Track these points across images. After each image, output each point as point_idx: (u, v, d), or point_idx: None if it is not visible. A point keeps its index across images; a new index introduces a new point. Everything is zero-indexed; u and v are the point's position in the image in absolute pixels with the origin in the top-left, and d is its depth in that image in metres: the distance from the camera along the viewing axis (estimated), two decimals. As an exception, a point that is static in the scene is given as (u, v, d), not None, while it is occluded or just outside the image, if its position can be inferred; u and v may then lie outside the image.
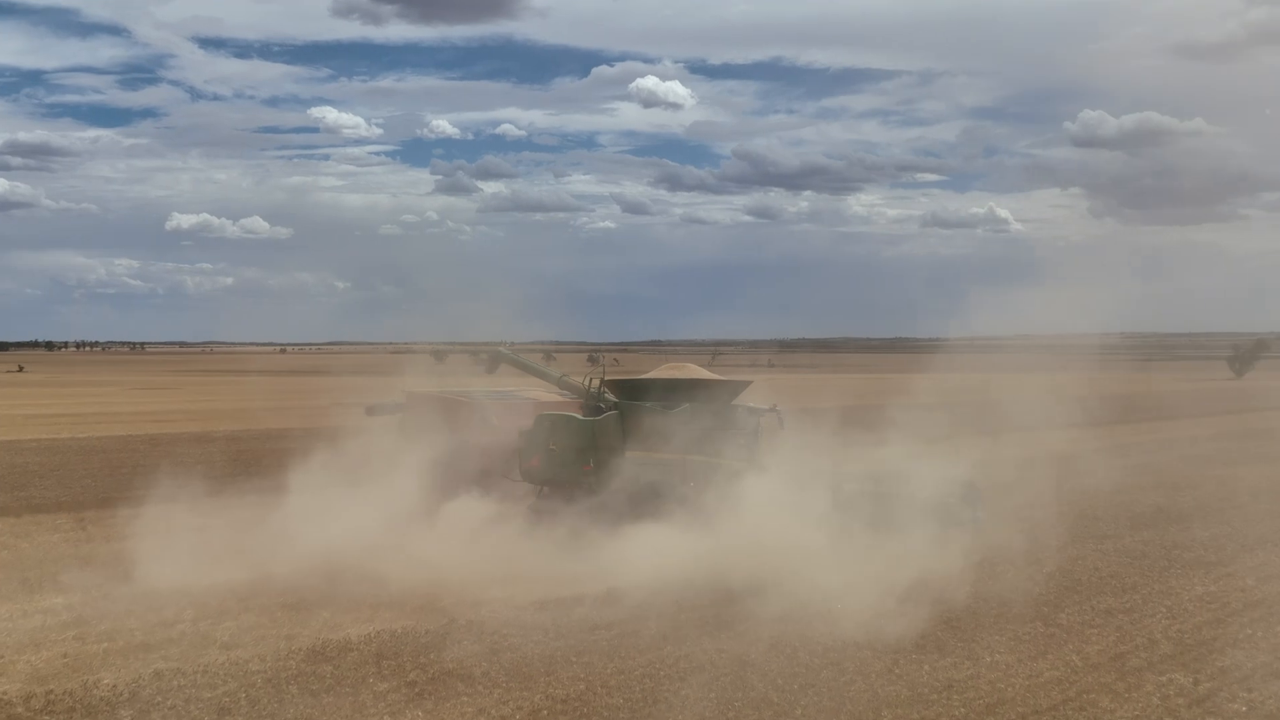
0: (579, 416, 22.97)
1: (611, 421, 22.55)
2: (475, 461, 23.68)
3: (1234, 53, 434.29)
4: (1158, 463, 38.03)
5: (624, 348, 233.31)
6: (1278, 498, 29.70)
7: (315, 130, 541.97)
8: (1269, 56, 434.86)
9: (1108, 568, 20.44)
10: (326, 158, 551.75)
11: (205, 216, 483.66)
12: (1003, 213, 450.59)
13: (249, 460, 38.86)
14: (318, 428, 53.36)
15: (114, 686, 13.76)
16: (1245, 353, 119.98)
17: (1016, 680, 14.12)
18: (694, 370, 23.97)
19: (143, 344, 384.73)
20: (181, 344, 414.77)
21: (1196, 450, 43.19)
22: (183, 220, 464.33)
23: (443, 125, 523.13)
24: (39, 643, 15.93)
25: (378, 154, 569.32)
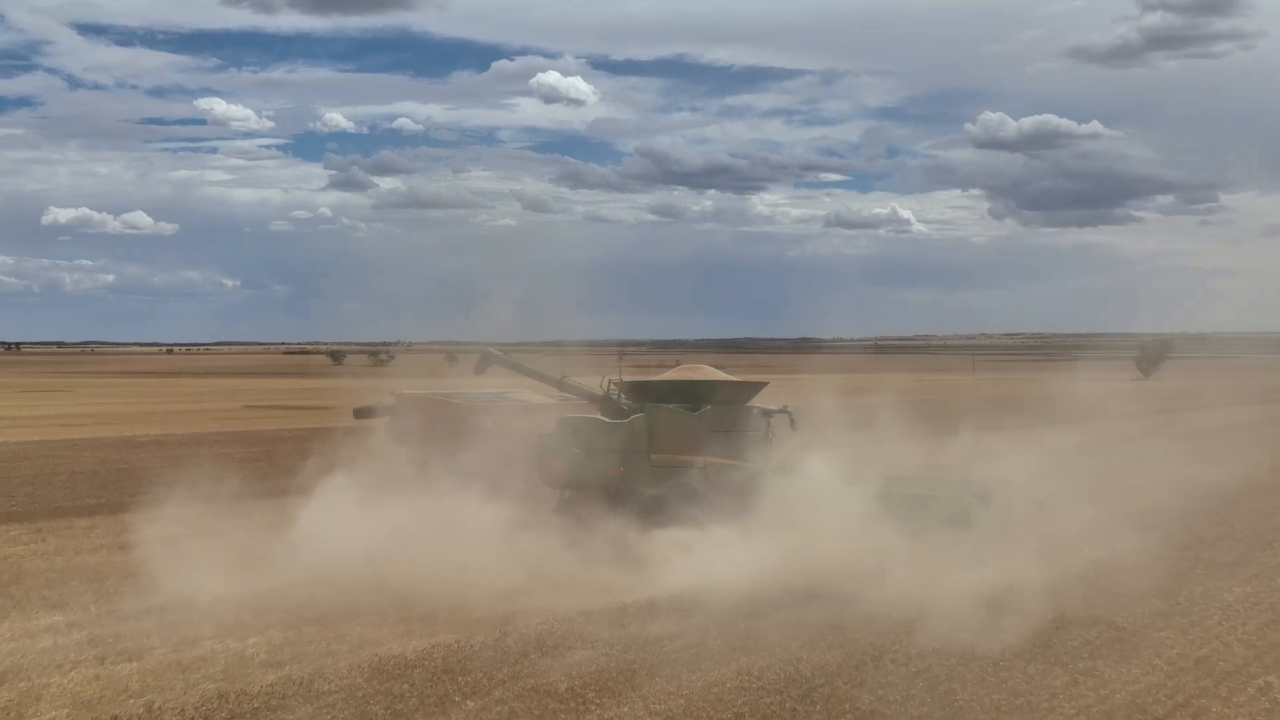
0: (605, 419, 22.49)
1: (639, 424, 22.16)
2: (491, 465, 23.04)
3: (1129, 57, 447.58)
4: (1115, 464, 38.54)
5: (524, 348, 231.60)
6: (1259, 497, 30.28)
7: (202, 122, 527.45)
8: (1163, 61, 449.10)
9: (1140, 570, 20.43)
10: (214, 151, 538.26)
11: (85, 211, 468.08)
12: (905, 213, 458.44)
13: (200, 465, 37.44)
14: (249, 431, 52.47)
15: (181, 710, 12.93)
16: (1152, 353, 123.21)
17: (1116, 687, 13.96)
18: (711, 371, 23.70)
19: (18, 344, 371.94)
20: (60, 344, 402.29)
21: (1149, 450, 43.97)
22: (60, 215, 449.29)
23: (337, 119, 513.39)
24: (60, 664, 14.96)
25: (268, 147, 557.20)
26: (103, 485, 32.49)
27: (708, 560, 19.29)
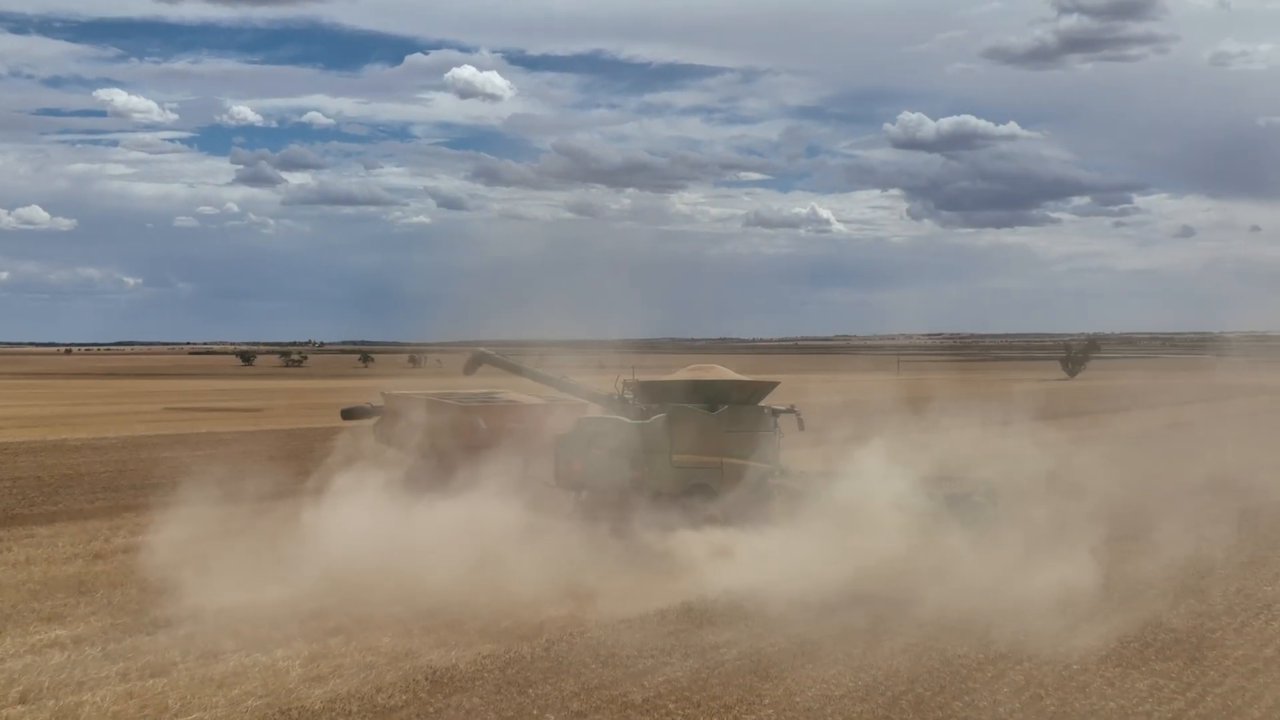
0: (626, 420, 22.08)
1: (661, 424, 21.81)
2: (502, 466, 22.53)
3: (1046, 59, 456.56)
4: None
5: (442, 349, 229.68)
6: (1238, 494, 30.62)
7: (102, 114, 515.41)
8: (1079, 63, 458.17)
9: (1170, 566, 20.42)
10: (115, 144, 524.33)
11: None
12: (825, 213, 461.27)
13: (149, 470, 36.30)
14: (186, 434, 50.98)
15: (246, 730, 12.22)
16: (1077, 353, 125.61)
17: (1200, 690, 13.83)
18: (724, 371, 23.46)
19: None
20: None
21: (1113, 449, 44.47)
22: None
23: (244, 111, 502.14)
24: (82, 681, 14.14)
25: (172, 140, 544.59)
26: (53, 492, 31.22)
27: (743, 563, 19.01)
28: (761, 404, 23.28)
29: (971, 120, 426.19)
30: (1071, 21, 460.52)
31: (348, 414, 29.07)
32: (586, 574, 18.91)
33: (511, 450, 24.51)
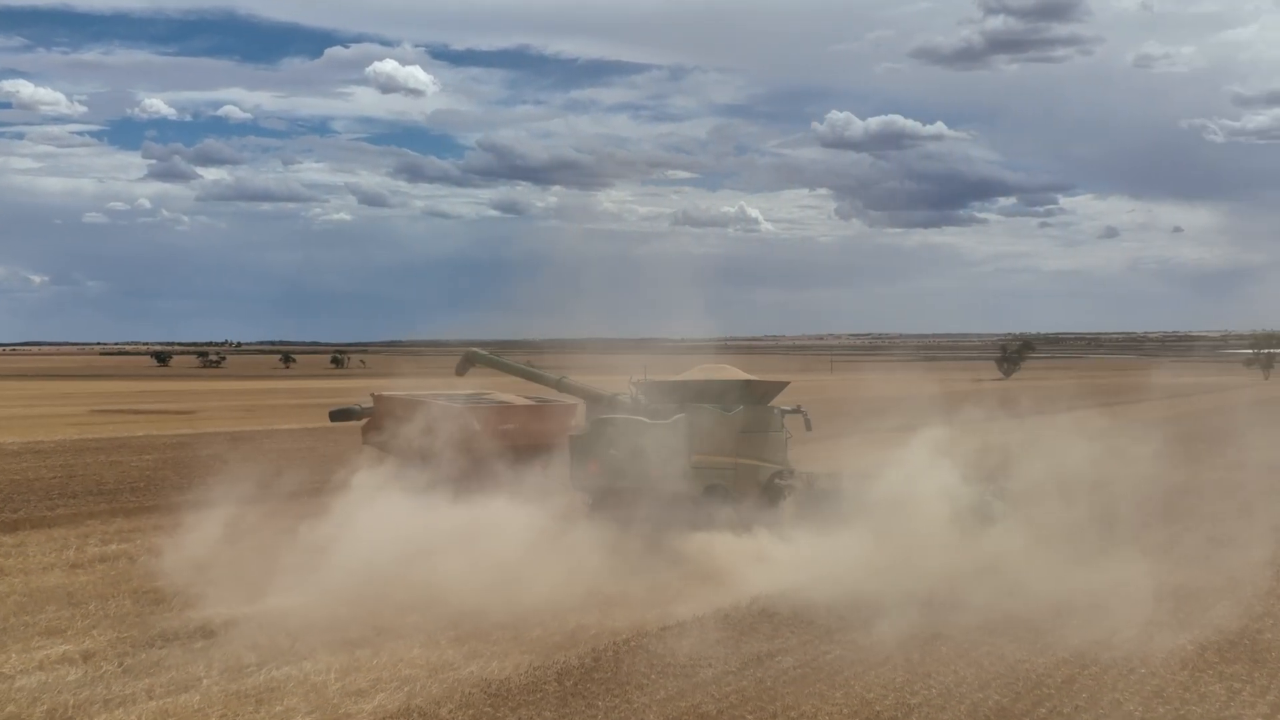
0: (647, 420, 21.67)
1: (681, 425, 21.43)
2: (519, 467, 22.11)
3: (972, 59, 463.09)
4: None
5: (363, 349, 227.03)
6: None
7: (7, 105, 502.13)
8: (1005, 64, 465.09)
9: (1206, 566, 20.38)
10: (20, 136, 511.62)
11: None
12: (753, 212, 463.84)
13: (100, 474, 35.16)
14: (126, 438, 49.47)
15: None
16: (1012, 353, 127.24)
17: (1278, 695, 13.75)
18: (737, 371, 23.14)
19: None
20: None
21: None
22: None
23: (157, 104, 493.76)
24: (108, 699, 13.54)
25: (81, 134, 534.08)
26: (6, 499, 30.01)
27: (775, 566, 18.77)
28: (771, 404, 23.01)
29: (899, 120, 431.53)
30: (998, 23, 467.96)
31: (336, 416, 28.35)
32: (607, 578, 18.49)
33: (504, 451, 24.16)
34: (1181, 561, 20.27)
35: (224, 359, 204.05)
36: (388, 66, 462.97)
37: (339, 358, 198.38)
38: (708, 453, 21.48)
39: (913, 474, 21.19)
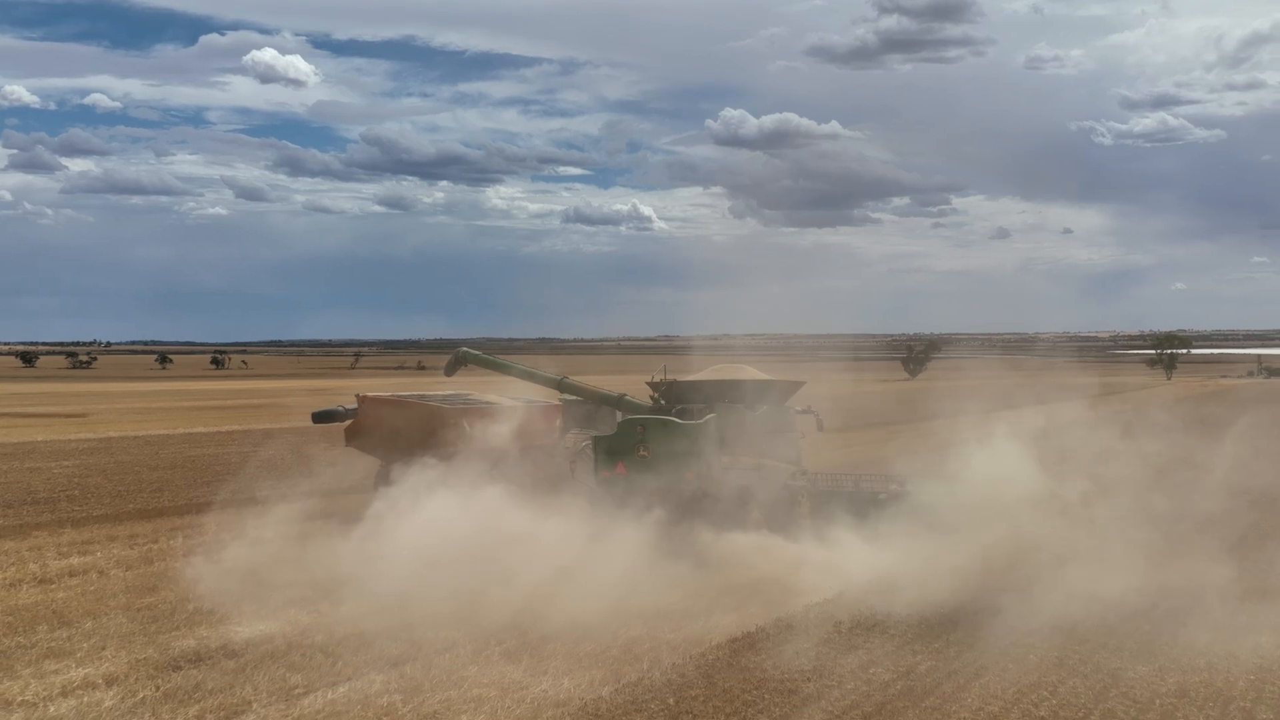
0: (678, 420, 21.15)
1: (712, 425, 21.00)
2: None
3: (867, 58, 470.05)
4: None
5: (243, 349, 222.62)
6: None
7: None
8: (899, 64, 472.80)
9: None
10: None
11: None
12: (646, 210, 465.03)
13: (32, 481, 33.45)
14: (43, 442, 47.36)
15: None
16: (918, 354, 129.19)
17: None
18: (755, 371, 22.80)
19: None
20: None
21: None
22: None
23: (18, 91, 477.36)
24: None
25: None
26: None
27: (821, 573, 18.43)
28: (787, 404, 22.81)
29: (794, 118, 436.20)
30: (891, 22, 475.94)
31: (319, 417, 27.62)
32: (644, 587, 17.83)
33: (493, 452, 23.71)
34: (1259, 562, 20.24)
35: (95, 360, 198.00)
36: (266, 55, 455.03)
37: (219, 358, 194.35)
38: (737, 453, 21.22)
39: (933, 474, 21.10)
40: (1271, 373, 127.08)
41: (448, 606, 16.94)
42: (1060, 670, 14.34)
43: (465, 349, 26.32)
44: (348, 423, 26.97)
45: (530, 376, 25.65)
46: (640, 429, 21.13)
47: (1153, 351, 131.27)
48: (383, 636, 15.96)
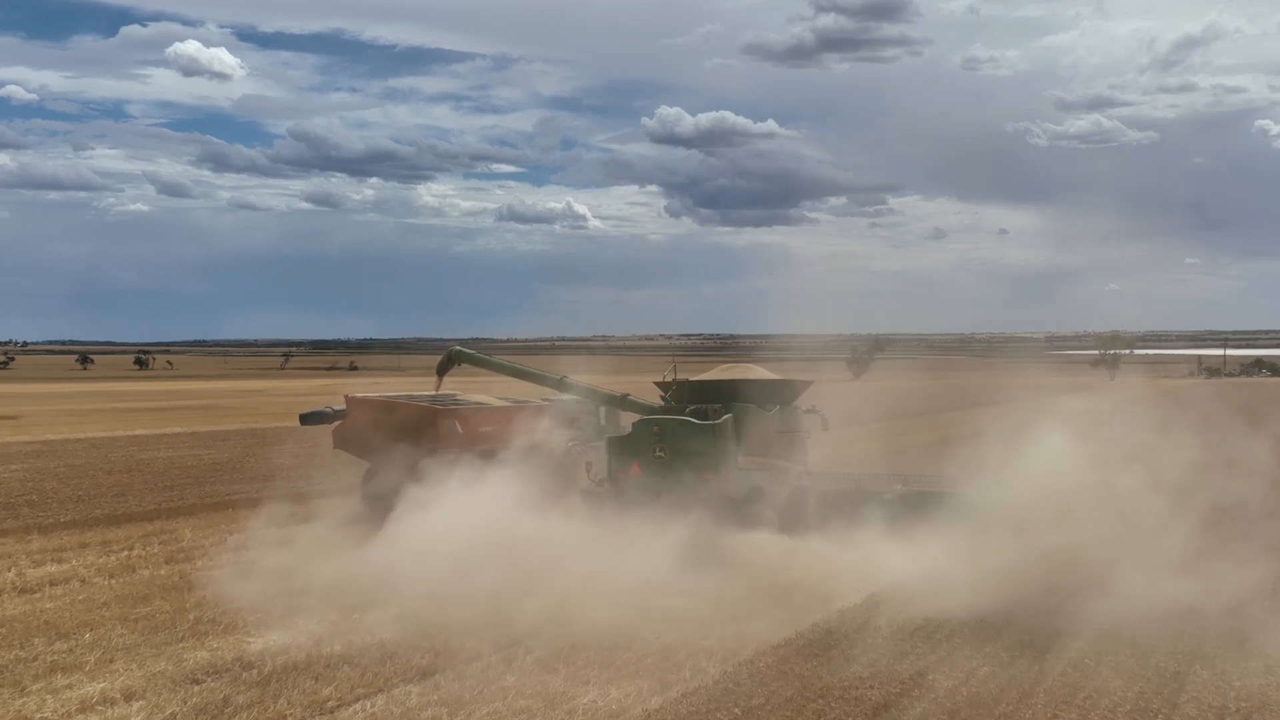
0: (696, 420, 20.83)
1: (729, 426, 20.78)
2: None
3: (804, 57, 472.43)
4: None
5: (166, 349, 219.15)
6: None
7: None
8: (835, 63, 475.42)
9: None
10: None
11: None
12: (581, 208, 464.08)
13: (3, 485, 32.46)
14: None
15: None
16: (862, 354, 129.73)
17: None
18: (762, 371, 22.58)
19: None
20: None
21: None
22: None
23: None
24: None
25: None
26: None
27: (846, 576, 18.27)
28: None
29: (730, 117, 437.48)
30: (829, 21, 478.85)
31: (307, 419, 27.05)
32: (665, 591, 17.51)
33: (483, 453, 23.40)
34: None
35: (12, 360, 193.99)
36: (190, 48, 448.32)
37: (143, 358, 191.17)
38: (753, 453, 21.13)
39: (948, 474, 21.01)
40: (1212, 373, 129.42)
41: (466, 613, 16.54)
42: (1123, 677, 14.08)
43: (459, 348, 26.07)
44: (335, 424, 26.45)
45: (530, 376, 25.25)
46: (657, 429, 20.82)
47: (1096, 352, 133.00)
48: (404, 646, 15.51)
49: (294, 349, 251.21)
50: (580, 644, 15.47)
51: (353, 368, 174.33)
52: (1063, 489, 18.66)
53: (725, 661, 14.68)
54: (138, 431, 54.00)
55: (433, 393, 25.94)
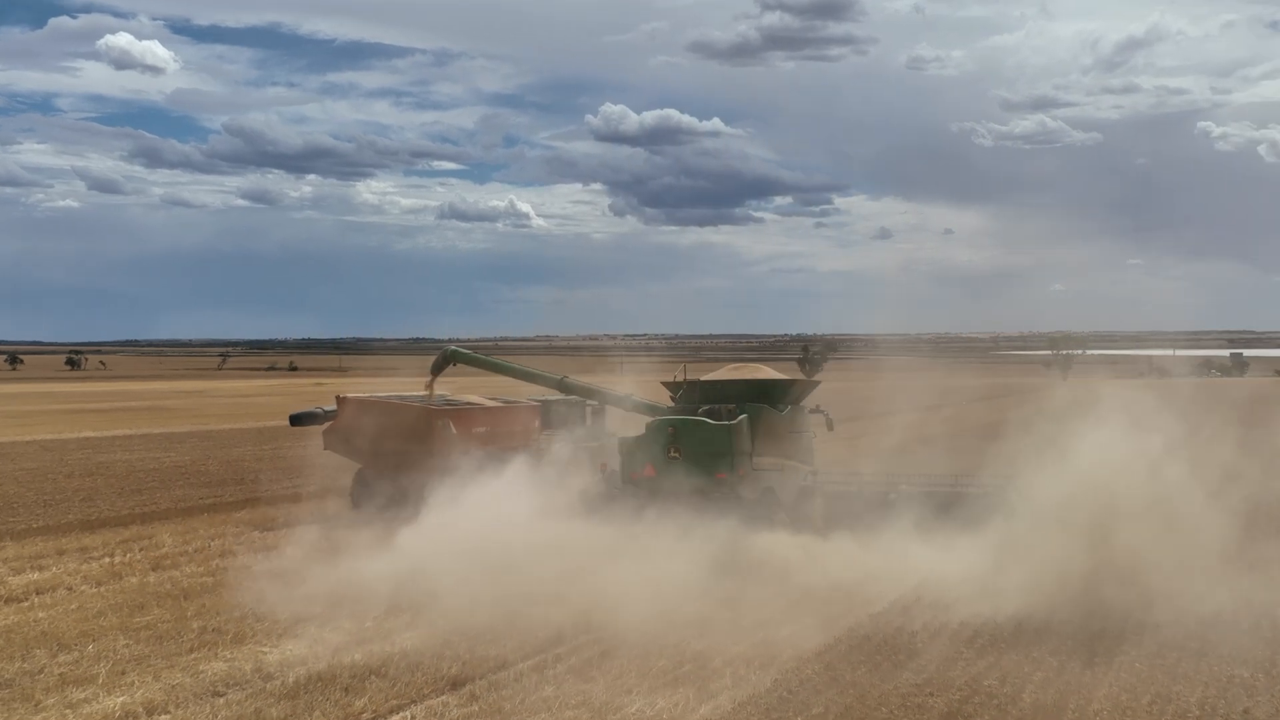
0: (711, 421, 20.56)
1: (745, 426, 20.63)
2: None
3: (749, 55, 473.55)
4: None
5: (97, 349, 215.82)
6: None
7: None
8: (781, 61, 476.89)
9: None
10: None
11: None
12: (524, 206, 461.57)
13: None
14: None
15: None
16: (815, 354, 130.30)
17: None
18: (770, 371, 22.43)
19: None
20: None
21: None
22: None
23: None
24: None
25: None
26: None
27: (872, 579, 18.05)
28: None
29: (675, 115, 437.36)
30: (774, 19, 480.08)
31: (297, 419, 26.51)
32: (689, 595, 17.23)
33: (477, 453, 23.03)
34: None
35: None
36: (121, 40, 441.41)
37: (74, 359, 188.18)
38: (767, 453, 21.09)
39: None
40: (1163, 373, 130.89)
41: (482, 619, 16.26)
42: (1184, 683, 13.87)
43: (454, 348, 25.82)
44: (325, 425, 25.95)
45: (529, 376, 24.96)
46: (672, 430, 20.59)
47: (1048, 352, 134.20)
48: (428, 654, 15.13)
49: (231, 349, 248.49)
50: (610, 651, 15.15)
51: (293, 368, 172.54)
52: (1100, 487, 18.39)
53: (765, 669, 14.34)
54: (86, 434, 53.06)
55: (425, 393, 25.51)
